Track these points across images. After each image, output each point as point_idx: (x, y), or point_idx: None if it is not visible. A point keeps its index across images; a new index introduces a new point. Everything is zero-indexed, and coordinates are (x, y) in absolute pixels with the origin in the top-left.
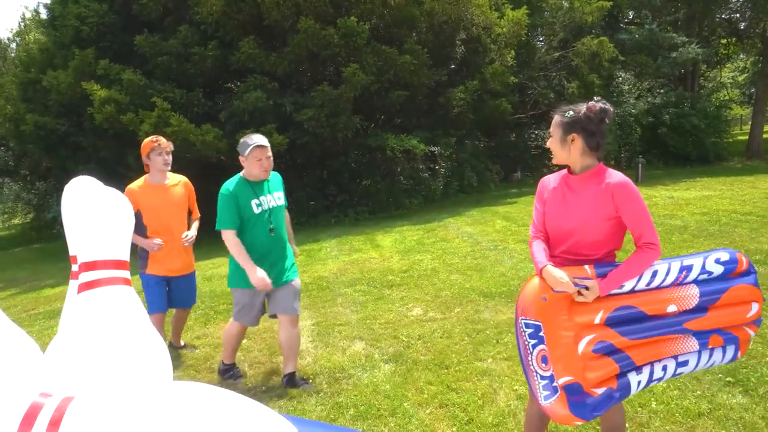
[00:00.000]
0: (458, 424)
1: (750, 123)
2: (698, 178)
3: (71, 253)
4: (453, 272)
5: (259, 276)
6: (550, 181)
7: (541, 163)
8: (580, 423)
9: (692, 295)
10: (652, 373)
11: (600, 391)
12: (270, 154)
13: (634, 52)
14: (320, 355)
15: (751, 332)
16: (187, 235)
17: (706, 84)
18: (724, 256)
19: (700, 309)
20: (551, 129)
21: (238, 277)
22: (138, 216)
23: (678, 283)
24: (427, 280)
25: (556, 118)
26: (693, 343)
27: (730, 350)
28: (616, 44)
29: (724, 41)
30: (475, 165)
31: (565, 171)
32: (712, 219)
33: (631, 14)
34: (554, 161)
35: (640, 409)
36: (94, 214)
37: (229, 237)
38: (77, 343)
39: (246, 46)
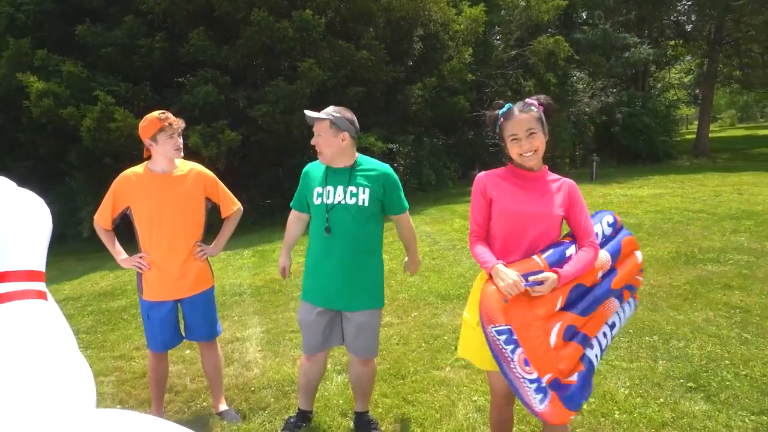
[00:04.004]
0: None
1: (697, 122)
2: (650, 176)
3: None
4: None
5: (279, 264)
6: (491, 176)
7: (498, 161)
8: (573, 417)
9: (607, 258)
10: (600, 343)
11: (575, 377)
12: (321, 134)
13: (588, 52)
14: (269, 366)
15: (640, 278)
16: (201, 248)
17: (655, 84)
18: (610, 218)
19: (612, 269)
20: (534, 126)
21: (303, 284)
22: (127, 214)
23: None
24: (383, 282)
25: (535, 115)
26: (614, 304)
27: (632, 301)
28: (571, 43)
29: (672, 43)
30: (433, 163)
31: (506, 168)
32: (666, 217)
33: (584, 15)
34: (533, 162)
35: (602, 419)
36: (4, 219)
37: (290, 214)
38: None
39: (196, 38)
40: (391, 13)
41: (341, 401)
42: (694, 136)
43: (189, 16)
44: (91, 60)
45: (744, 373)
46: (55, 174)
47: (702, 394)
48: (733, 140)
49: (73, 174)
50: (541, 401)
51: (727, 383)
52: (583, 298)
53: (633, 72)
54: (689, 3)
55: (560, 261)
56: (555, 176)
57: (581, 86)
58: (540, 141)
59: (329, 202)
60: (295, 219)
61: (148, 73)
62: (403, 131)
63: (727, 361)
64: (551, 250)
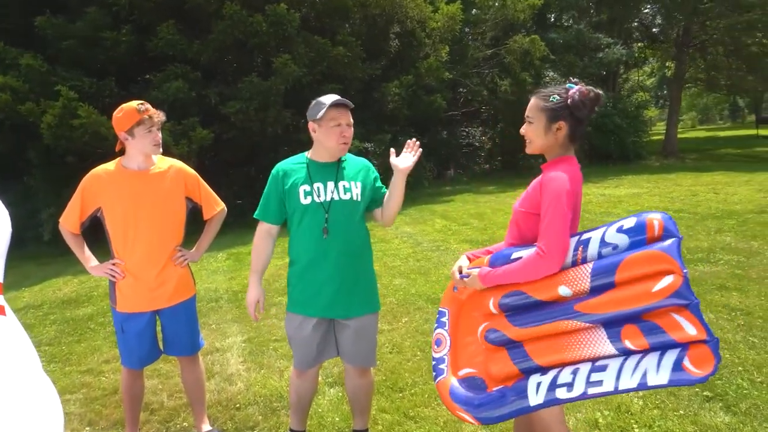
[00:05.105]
0: None
1: (660, 124)
2: (623, 176)
3: None
4: (396, 276)
5: (249, 297)
6: None
7: (472, 161)
8: (468, 419)
9: (584, 273)
10: (557, 377)
11: (496, 388)
12: (352, 121)
13: (563, 52)
14: (254, 379)
15: (686, 323)
16: (181, 253)
17: (623, 85)
18: (629, 222)
19: (598, 290)
20: (531, 114)
21: (289, 295)
22: (97, 216)
23: (579, 262)
24: (377, 283)
25: (539, 103)
26: (603, 340)
27: (669, 358)
28: (546, 43)
29: (639, 45)
30: None
31: None
32: None
33: (552, 17)
34: (529, 150)
35: None
36: None
37: (257, 230)
38: None
39: (165, 32)
40: (367, 9)
41: (337, 418)
42: (660, 137)
43: (157, 8)
44: (51, 53)
45: (759, 380)
46: (13, 173)
47: (721, 404)
48: (697, 141)
49: (32, 173)
50: (435, 378)
51: (745, 392)
52: (527, 309)
53: (604, 73)
54: (656, 6)
55: (501, 262)
56: (553, 167)
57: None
58: (530, 130)
59: (323, 199)
60: (265, 235)
61: (114, 67)
62: (379, 130)
63: (740, 368)
64: (504, 251)
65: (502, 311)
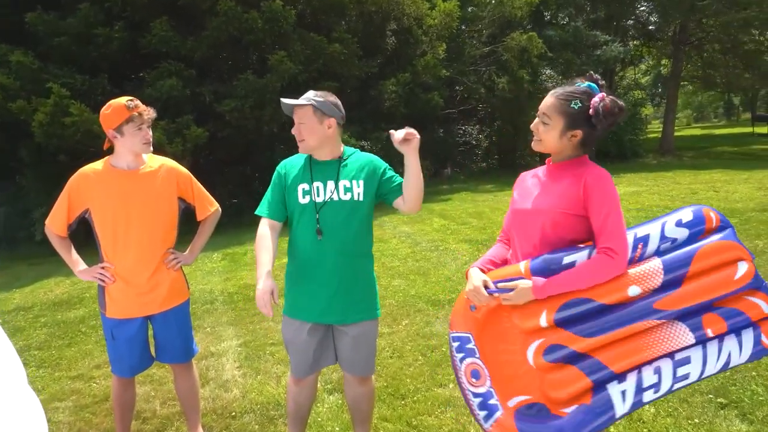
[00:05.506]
0: None
1: (655, 122)
2: (622, 174)
3: None
4: (395, 277)
5: (259, 289)
6: (523, 174)
7: (469, 159)
8: None
9: (655, 269)
10: (640, 380)
11: (569, 410)
12: (304, 119)
13: (560, 49)
14: (250, 385)
15: (762, 303)
16: (174, 256)
17: (620, 83)
18: (687, 215)
19: (670, 285)
20: (548, 114)
21: (285, 298)
22: (85, 218)
23: (636, 260)
24: (377, 288)
25: (558, 106)
26: (684, 332)
27: (747, 337)
28: (543, 40)
29: (635, 42)
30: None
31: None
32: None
33: (549, 15)
34: (536, 148)
35: None
36: None
37: (260, 225)
38: None
39: (158, 28)
40: (363, 6)
41: (337, 427)
42: (655, 135)
43: (150, 4)
44: (42, 50)
45: None
46: (5, 172)
47: (736, 412)
48: (692, 139)
49: (24, 172)
50: (486, 419)
51: (761, 398)
52: (593, 316)
53: (601, 71)
54: (653, 4)
55: (549, 268)
56: (586, 167)
57: (551, 84)
58: (543, 131)
59: (320, 199)
60: (269, 229)
61: (106, 64)
62: (375, 128)
63: (753, 373)
64: (544, 256)
65: (560, 324)
